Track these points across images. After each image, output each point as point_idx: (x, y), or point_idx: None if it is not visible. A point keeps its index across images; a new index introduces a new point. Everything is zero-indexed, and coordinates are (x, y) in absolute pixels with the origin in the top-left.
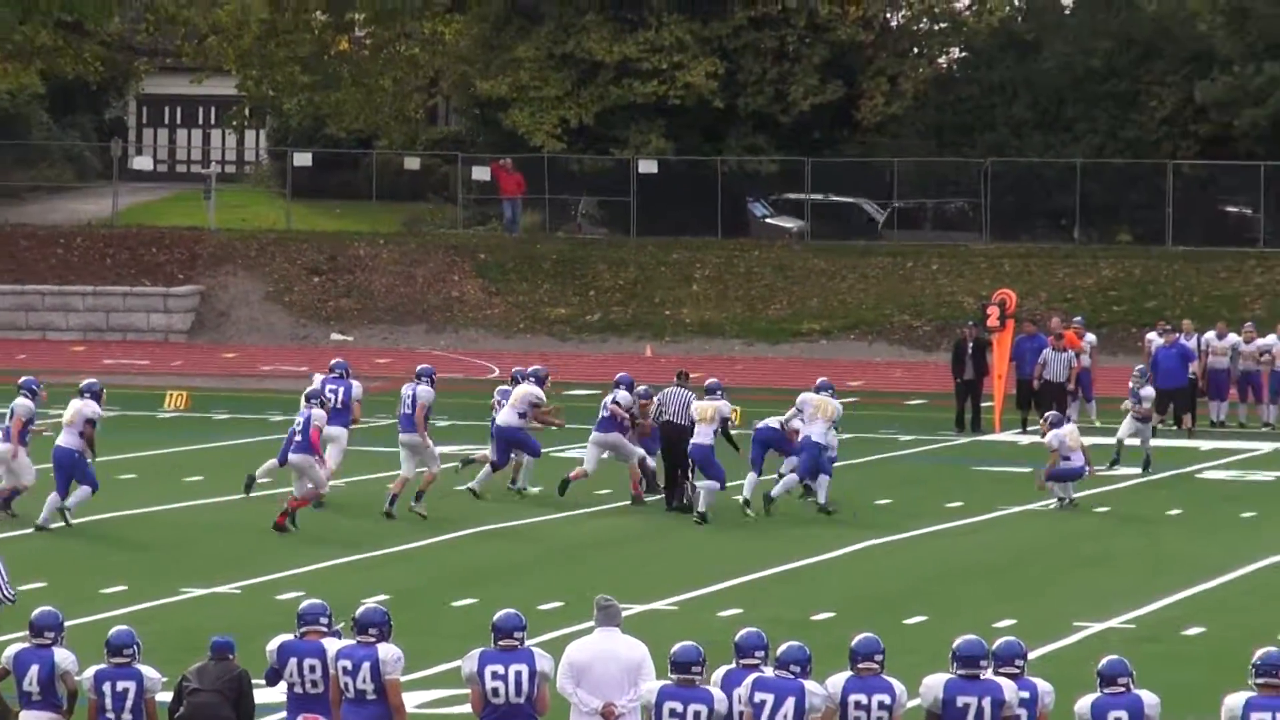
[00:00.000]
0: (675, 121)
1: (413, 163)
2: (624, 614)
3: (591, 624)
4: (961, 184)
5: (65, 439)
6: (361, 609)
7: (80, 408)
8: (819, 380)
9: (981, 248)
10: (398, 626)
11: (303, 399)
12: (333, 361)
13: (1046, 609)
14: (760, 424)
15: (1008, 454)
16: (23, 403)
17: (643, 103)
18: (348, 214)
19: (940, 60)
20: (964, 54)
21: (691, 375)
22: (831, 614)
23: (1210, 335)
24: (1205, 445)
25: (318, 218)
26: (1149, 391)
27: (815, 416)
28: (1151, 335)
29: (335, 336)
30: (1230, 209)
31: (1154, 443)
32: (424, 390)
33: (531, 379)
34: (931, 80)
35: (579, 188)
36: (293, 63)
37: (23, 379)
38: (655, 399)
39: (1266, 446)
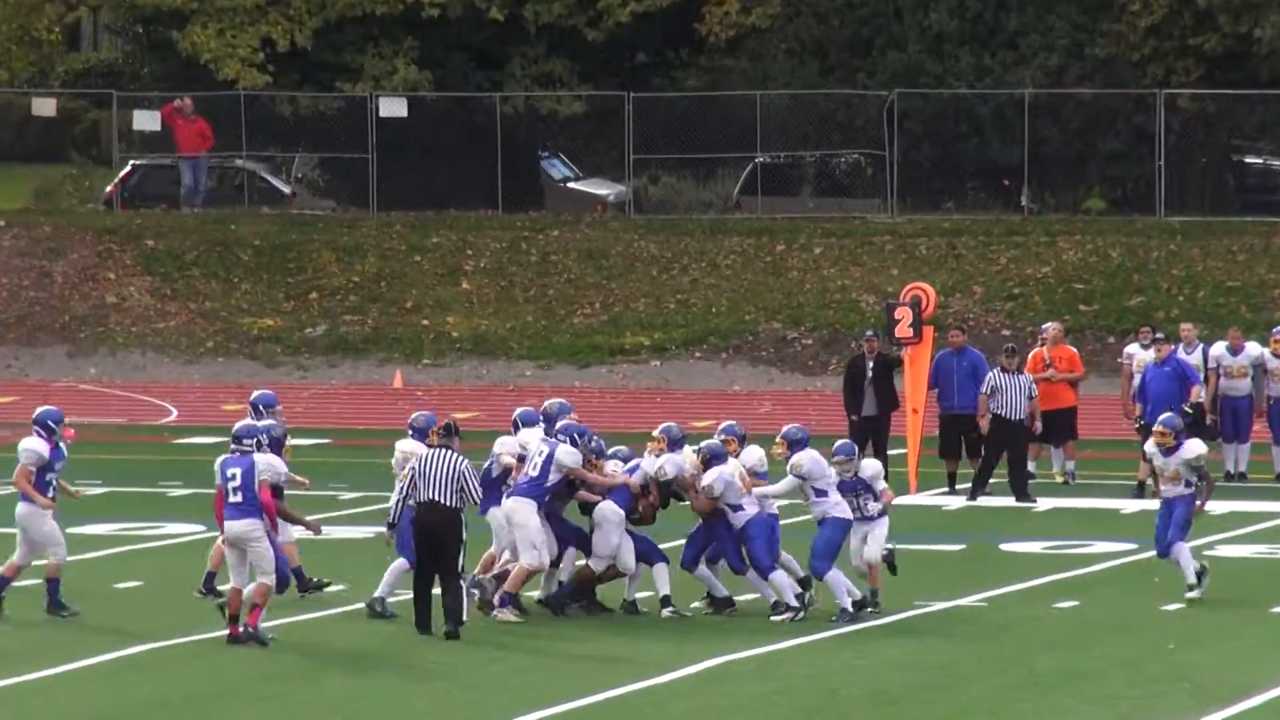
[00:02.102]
0: (433, 42)
1: (45, 106)
2: None
3: None
4: (856, 129)
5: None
6: None
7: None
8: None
9: (886, 222)
10: None
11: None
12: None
13: None
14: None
15: (929, 524)
16: (30, 445)
17: (384, 14)
18: None
19: None
20: None
21: (462, 418)
22: None
23: (1220, 348)
24: (1219, 508)
25: None
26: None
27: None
28: (1133, 348)
29: None
30: (1250, 160)
31: (1145, 505)
32: (566, 451)
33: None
34: None
35: (292, 140)
36: None
37: (40, 410)
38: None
39: None
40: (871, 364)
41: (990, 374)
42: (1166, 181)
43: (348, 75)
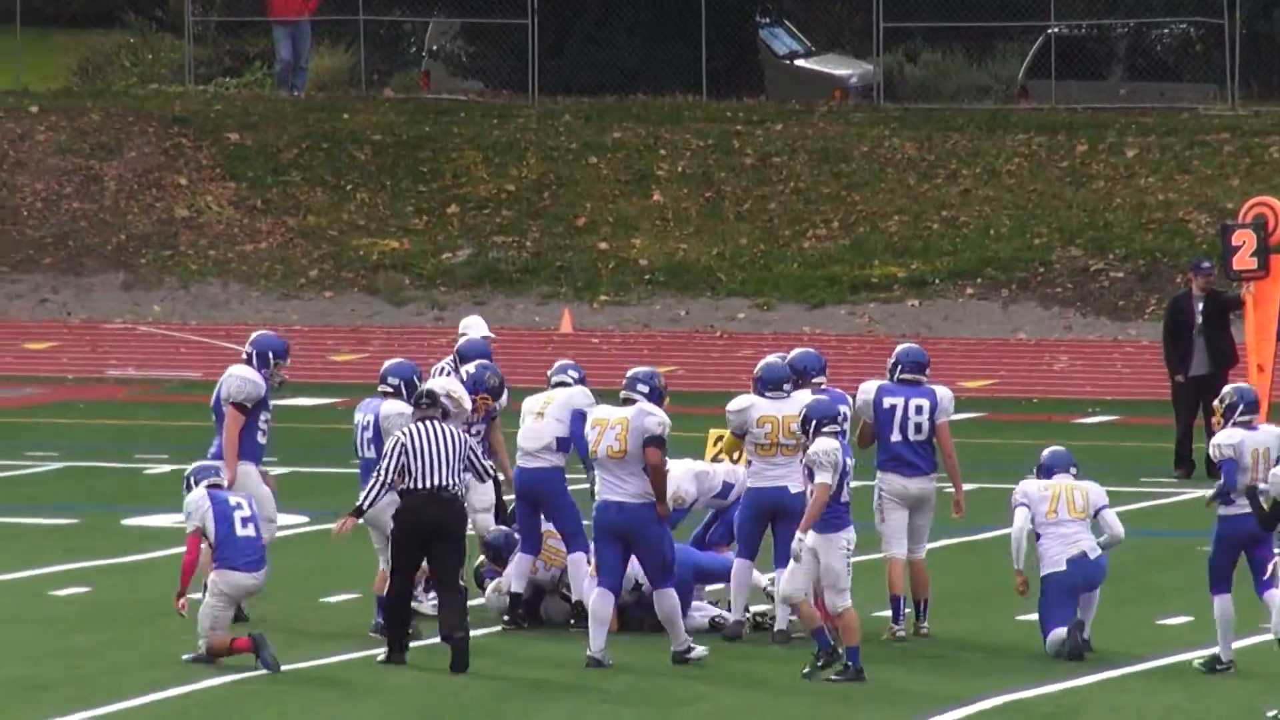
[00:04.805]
0: None
1: None
2: None
3: None
4: None
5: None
6: None
7: (566, 399)
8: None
9: (1224, 115)
10: None
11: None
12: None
13: None
14: None
15: None
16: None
17: None
18: None
19: None
20: None
21: (667, 373)
22: None
23: None
24: None
25: None
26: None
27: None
28: None
29: None
30: None
31: None
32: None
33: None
34: None
35: (425, 3)
36: None
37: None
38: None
39: None
40: (1202, 306)
41: None
42: None
43: None
